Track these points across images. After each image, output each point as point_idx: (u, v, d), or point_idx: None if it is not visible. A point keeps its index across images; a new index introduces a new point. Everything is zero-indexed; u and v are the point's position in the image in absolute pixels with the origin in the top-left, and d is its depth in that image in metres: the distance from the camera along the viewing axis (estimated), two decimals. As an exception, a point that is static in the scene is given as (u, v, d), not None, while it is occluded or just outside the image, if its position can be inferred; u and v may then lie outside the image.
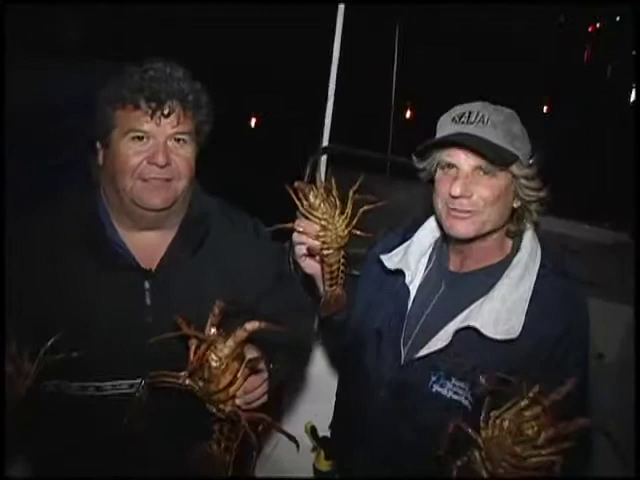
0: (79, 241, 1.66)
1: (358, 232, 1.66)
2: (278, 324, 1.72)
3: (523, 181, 1.61)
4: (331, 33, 2.93)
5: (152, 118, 1.59)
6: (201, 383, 1.38)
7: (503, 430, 1.28)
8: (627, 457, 1.52)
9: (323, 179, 1.75)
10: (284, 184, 1.62)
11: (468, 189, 1.60)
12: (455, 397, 1.63)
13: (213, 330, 1.39)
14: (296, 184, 1.63)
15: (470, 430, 1.31)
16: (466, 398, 1.62)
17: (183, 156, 1.65)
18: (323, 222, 1.62)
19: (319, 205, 1.61)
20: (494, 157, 1.57)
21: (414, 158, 1.74)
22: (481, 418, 1.31)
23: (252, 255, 1.83)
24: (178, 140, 1.64)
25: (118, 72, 1.64)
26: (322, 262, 1.69)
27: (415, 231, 1.87)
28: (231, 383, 1.39)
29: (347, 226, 1.63)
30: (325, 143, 2.96)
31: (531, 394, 1.27)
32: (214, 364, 1.37)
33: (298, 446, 1.46)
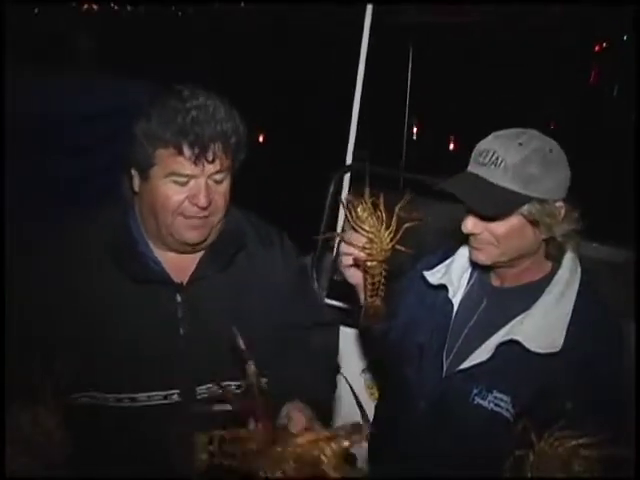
0: (112, 255, 1.68)
1: (402, 248, 1.70)
2: (300, 339, 1.83)
3: (546, 219, 1.63)
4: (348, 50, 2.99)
5: (196, 164, 1.56)
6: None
7: (556, 453, 1.33)
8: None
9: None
10: (307, 200, 1.67)
11: (477, 227, 1.67)
12: (496, 409, 1.68)
13: None
14: (347, 197, 1.72)
15: (533, 434, 1.36)
16: (507, 410, 1.66)
17: (222, 193, 1.65)
18: (370, 235, 1.66)
19: (366, 218, 1.65)
20: (486, 210, 1.62)
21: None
22: (548, 431, 1.36)
23: (279, 270, 1.87)
24: (217, 180, 1.64)
25: (159, 107, 1.58)
26: (365, 273, 1.73)
27: (456, 249, 1.92)
28: None
29: (391, 240, 1.68)
30: (349, 161, 3.02)
31: (595, 439, 1.31)
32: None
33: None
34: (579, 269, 1.74)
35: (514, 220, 1.64)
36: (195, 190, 1.59)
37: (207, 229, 1.69)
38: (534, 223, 1.63)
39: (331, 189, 2.80)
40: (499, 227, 1.65)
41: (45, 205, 2.46)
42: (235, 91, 1.88)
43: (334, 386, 2.15)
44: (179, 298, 1.72)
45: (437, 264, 1.93)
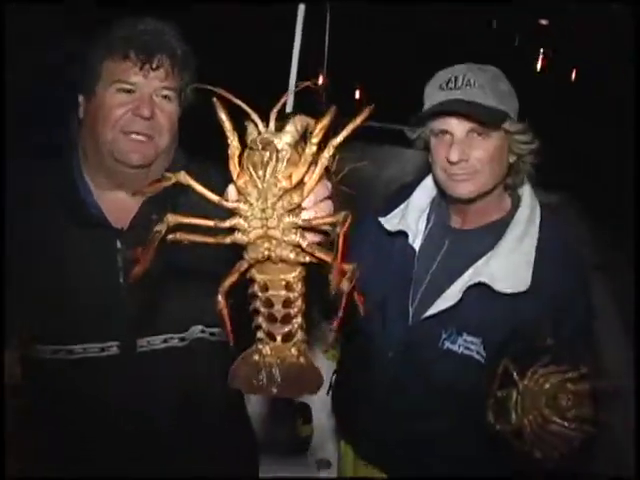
0: (53, 200, 1.61)
1: (344, 188, 1.69)
2: None
3: (516, 136, 1.65)
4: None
5: (141, 70, 1.55)
6: (256, 191, 0.92)
7: (542, 389, 1.33)
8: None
9: None
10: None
11: (464, 153, 1.64)
12: (466, 352, 1.65)
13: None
14: None
15: (515, 374, 1.35)
16: (478, 352, 1.64)
17: (167, 112, 1.61)
18: None
19: None
20: (486, 119, 1.60)
21: (406, 130, 1.77)
22: (531, 368, 1.35)
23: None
24: (164, 96, 1.60)
25: (108, 23, 1.60)
26: None
27: (410, 193, 1.88)
28: (302, 181, 0.93)
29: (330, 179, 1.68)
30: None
31: (583, 371, 1.31)
32: (283, 153, 0.91)
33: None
34: (538, 206, 1.73)
35: (496, 140, 1.64)
36: (139, 101, 1.57)
37: (151, 151, 1.61)
38: (510, 139, 1.64)
39: None
40: (483, 150, 1.63)
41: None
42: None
43: None
44: (119, 244, 1.63)
45: (392, 210, 1.88)
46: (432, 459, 1.78)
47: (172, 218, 0.96)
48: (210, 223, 0.96)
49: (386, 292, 1.81)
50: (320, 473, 2.93)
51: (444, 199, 1.82)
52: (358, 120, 0.90)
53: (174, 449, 1.71)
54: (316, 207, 0.96)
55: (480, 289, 1.63)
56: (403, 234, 1.82)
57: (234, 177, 0.94)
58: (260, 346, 1.01)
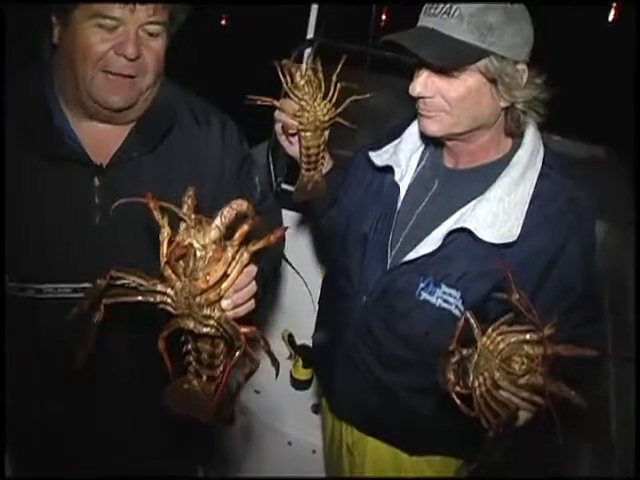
0: (23, 128, 1.47)
1: (342, 121, 1.63)
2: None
3: (506, 79, 1.40)
4: None
5: (126, 4, 1.36)
6: (179, 284, 1.06)
7: (496, 349, 1.17)
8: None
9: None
10: (267, 78, 1.58)
11: (428, 89, 1.45)
12: (444, 305, 1.52)
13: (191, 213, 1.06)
14: (283, 62, 1.60)
15: (476, 329, 1.19)
16: (456, 307, 1.50)
17: (154, 49, 1.44)
18: (302, 102, 1.59)
19: (302, 86, 1.58)
20: (439, 61, 1.38)
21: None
22: (492, 325, 1.19)
23: (216, 154, 1.66)
24: (151, 33, 1.43)
25: None
26: (300, 144, 1.66)
27: (405, 129, 1.72)
28: (223, 277, 1.06)
29: (328, 111, 1.61)
30: (310, 36, 2.76)
31: (542, 334, 1.13)
32: (199, 253, 1.03)
33: (278, 371, 1.14)
34: (542, 150, 1.52)
35: (469, 80, 1.41)
36: (123, 38, 1.39)
37: (133, 93, 1.48)
38: (492, 82, 1.41)
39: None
40: (453, 89, 1.42)
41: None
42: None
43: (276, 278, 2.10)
44: (97, 182, 1.53)
45: (385, 145, 1.73)
46: (402, 416, 1.69)
47: (114, 273, 1.10)
48: (140, 298, 1.10)
49: (367, 231, 1.69)
50: (317, 417, 2.87)
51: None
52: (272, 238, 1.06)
53: (139, 391, 1.66)
54: (235, 295, 1.10)
55: (464, 237, 1.48)
56: (393, 170, 1.68)
57: (161, 265, 1.06)
58: (190, 377, 1.20)
